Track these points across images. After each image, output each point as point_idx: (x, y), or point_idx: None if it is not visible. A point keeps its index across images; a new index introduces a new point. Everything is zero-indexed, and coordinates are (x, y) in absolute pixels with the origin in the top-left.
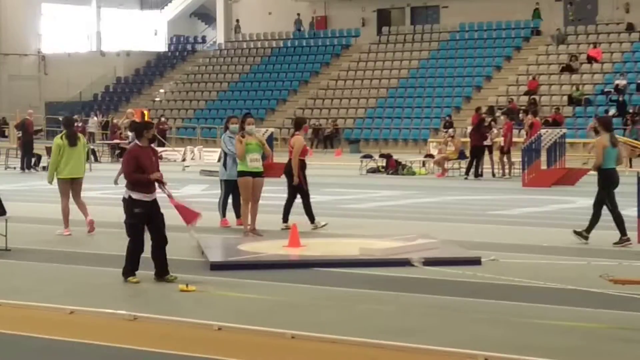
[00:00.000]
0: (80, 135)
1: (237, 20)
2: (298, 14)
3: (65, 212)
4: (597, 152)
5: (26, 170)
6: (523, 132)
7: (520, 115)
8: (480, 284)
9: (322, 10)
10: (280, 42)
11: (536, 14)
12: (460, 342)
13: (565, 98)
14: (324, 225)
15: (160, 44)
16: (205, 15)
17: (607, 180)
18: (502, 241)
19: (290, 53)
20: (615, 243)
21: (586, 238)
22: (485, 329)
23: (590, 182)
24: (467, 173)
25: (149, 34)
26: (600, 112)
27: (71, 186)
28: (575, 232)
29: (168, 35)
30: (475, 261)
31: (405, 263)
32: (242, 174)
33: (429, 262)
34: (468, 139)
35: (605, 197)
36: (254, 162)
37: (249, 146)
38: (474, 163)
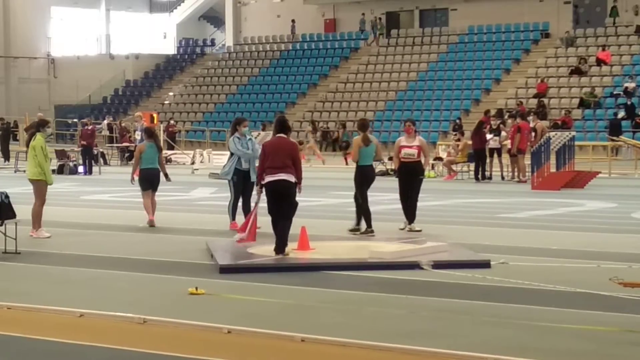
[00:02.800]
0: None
1: (293, 20)
2: (362, 14)
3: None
4: (354, 151)
5: None
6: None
7: (530, 117)
8: (489, 287)
9: (331, 13)
10: (289, 45)
11: (614, 12)
12: (469, 345)
13: (574, 101)
14: (418, 231)
15: (169, 47)
16: (214, 18)
17: (361, 176)
18: (512, 244)
19: (299, 56)
20: (362, 233)
21: (357, 230)
22: (494, 332)
23: (600, 185)
24: (475, 176)
25: (158, 37)
26: (609, 115)
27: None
28: (350, 230)
29: (177, 38)
30: (485, 264)
31: (415, 266)
32: None
33: (438, 265)
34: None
35: (359, 190)
36: None
37: None
38: (479, 166)
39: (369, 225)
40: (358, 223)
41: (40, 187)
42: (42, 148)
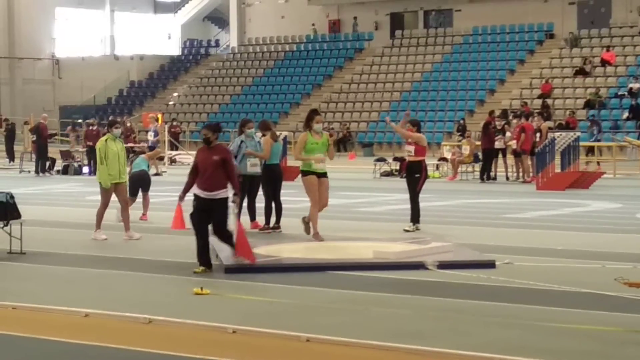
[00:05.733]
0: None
1: (357, 18)
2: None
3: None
4: (265, 149)
5: (40, 174)
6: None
7: (532, 119)
8: (494, 287)
9: (336, 14)
10: (293, 46)
11: None
12: (474, 345)
13: (578, 101)
14: (411, 231)
15: (173, 48)
16: (218, 19)
17: (270, 174)
18: (516, 244)
19: (303, 57)
20: (261, 229)
21: (273, 228)
22: (499, 332)
23: (605, 186)
24: (481, 177)
25: (162, 37)
26: (615, 115)
27: None
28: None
29: (182, 39)
30: (490, 264)
31: (420, 266)
32: (305, 173)
33: (443, 265)
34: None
35: (264, 189)
36: (318, 162)
37: (314, 145)
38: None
39: (267, 222)
40: (267, 222)
41: (101, 190)
42: (100, 150)
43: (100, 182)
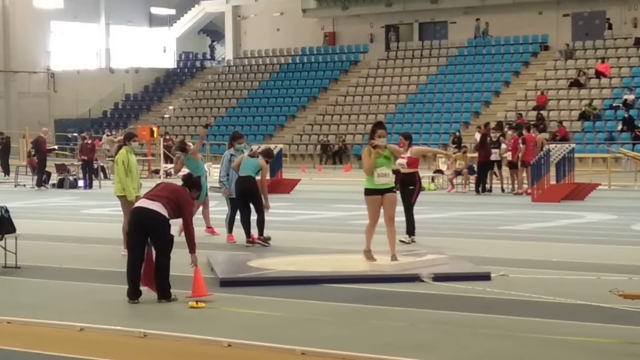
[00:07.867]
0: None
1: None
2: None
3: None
4: (236, 160)
5: (35, 187)
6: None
7: (530, 130)
8: (489, 299)
9: (331, 27)
10: (288, 58)
11: None
12: (469, 357)
13: (573, 113)
14: (407, 243)
15: (169, 61)
16: (213, 31)
17: (238, 186)
18: (512, 256)
19: (298, 69)
20: (248, 242)
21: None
22: (494, 344)
23: (600, 197)
24: (476, 189)
25: (157, 50)
26: (610, 127)
27: None
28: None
29: (177, 52)
30: (485, 276)
31: (415, 279)
32: (369, 192)
33: (439, 277)
34: (475, 154)
35: (240, 201)
36: (382, 177)
37: (377, 160)
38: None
39: (259, 232)
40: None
41: (123, 203)
42: (123, 162)
43: (125, 196)
